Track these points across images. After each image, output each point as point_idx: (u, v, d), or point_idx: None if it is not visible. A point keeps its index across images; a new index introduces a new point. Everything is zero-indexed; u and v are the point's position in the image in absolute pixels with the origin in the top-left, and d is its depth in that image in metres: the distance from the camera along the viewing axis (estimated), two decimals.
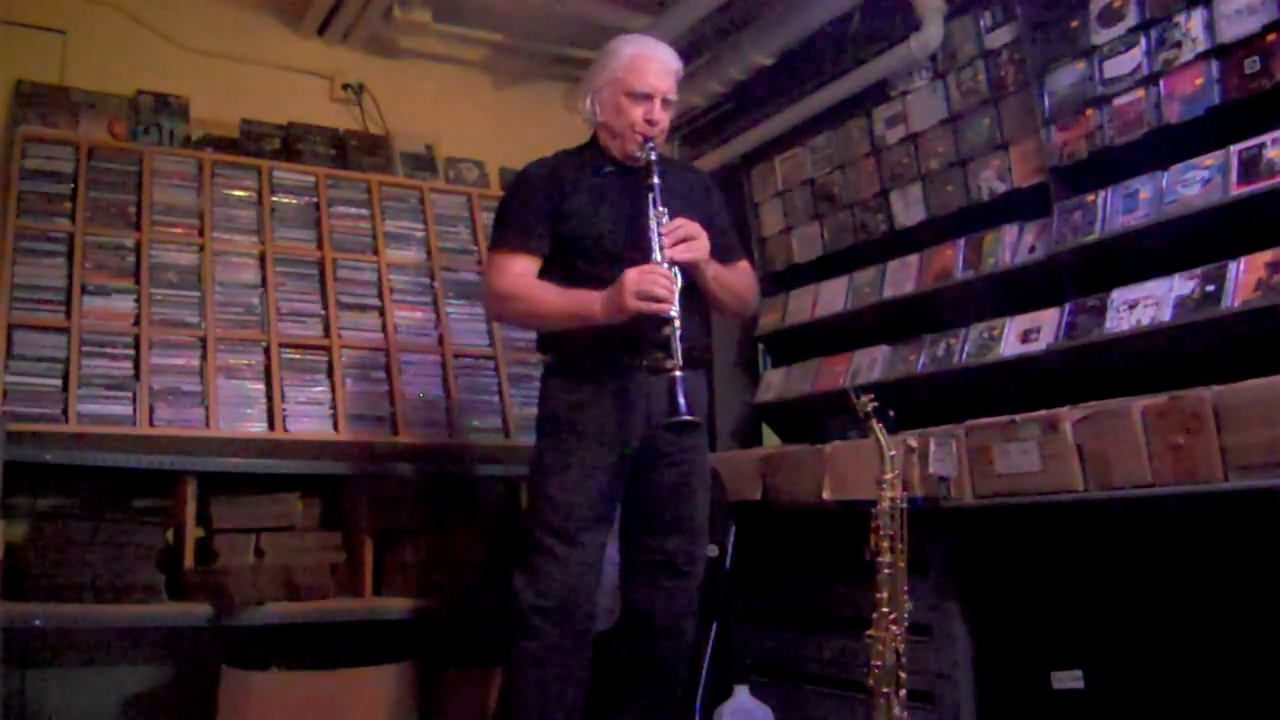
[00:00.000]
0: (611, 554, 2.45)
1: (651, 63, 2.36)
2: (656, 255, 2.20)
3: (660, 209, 2.24)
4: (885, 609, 2.18)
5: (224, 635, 2.91)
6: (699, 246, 2.27)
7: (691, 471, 2.41)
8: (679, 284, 2.18)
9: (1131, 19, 2.71)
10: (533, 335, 3.50)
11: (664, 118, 2.36)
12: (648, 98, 2.33)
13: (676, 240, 2.23)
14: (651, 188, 2.26)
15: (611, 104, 2.36)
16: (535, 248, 2.35)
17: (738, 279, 2.48)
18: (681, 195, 2.37)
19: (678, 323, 2.15)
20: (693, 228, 2.27)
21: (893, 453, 2.24)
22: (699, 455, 2.43)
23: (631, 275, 2.16)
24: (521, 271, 2.34)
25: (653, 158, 2.30)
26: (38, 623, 2.62)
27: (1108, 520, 2.28)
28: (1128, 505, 2.20)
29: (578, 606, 2.28)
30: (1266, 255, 2.40)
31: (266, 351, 3.15)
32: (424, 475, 3.25)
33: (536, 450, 2.39)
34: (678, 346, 2.14)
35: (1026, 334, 2.92)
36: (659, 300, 2.14)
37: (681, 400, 2.11)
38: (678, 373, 2.12)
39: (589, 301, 2.23)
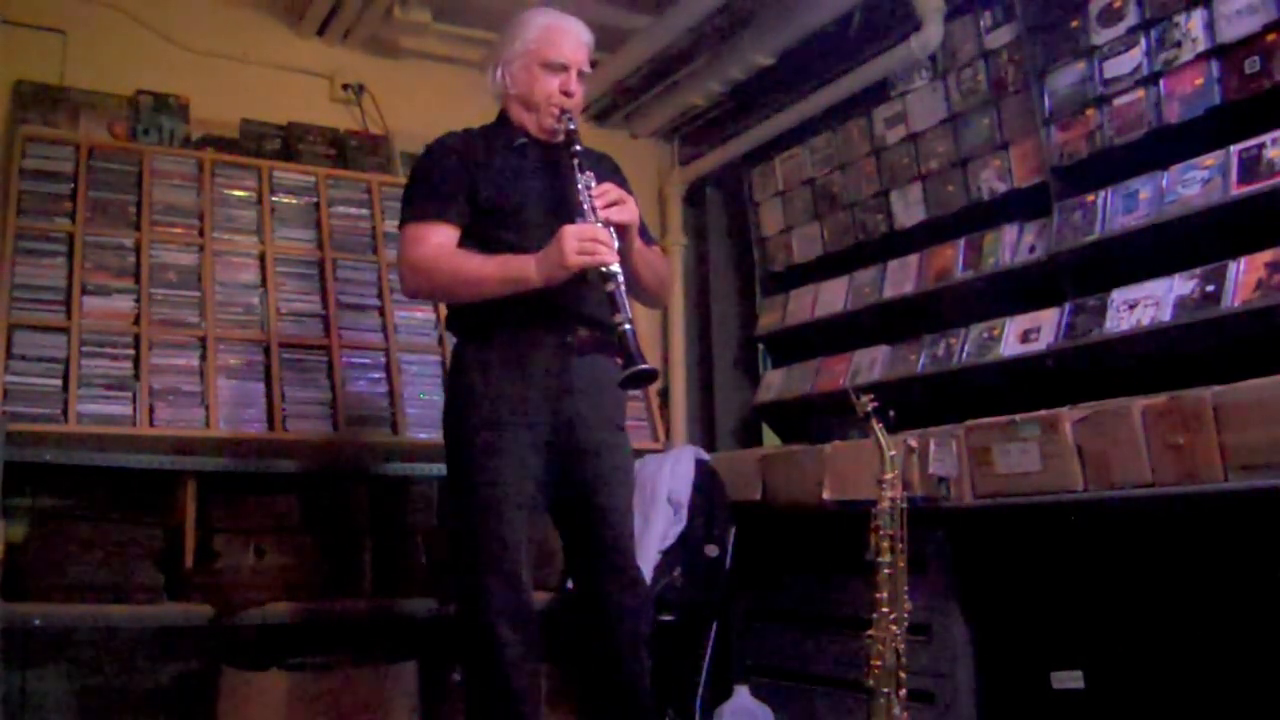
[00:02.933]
0: None
1: (566, 34, 2.31)
2: (591, 217, 2.13)
3: (588, 174, 2.19)
4: (885, 609, 2.18)
5: (224, 635, 2.91)
6: (630, 209, 2.21)
7: (618, 455, 2.29)
8: (616, 243, 2.13)
9: (1131, 19, 2.71)
10: None
11: (579, 91, 2.31)
12: (563, 69, 2.28)
13: (608, 203, 2.17)
14: (575, 154, 2.21)
15: (525, 76, 2.29)
16: (454, 217, 2.24)
17: (657, 257, 2.41)
18: (597, 170, 2.29)
19: (621, 277, 2.10)
20: (621, 192, 2.21)
21: (893, 453, 2.24)
22: (623, 441, 2.33)
23: (570, 230, 2.08)
24: (441, 241, 2.22)
25: (572, 127, 2.25)
26: (38, 623, 2.61)
27: (1108, 520, 2.29)
28: (1128, 505, 2.21)
29: (531, 611, 2.17)
30: (1266, 255, 2.40)
31: (266, 351, 3.15)
32: (423, 475, 3.25)
33: (453, 438, 2.24)
34: (624, 300, 2.08)
35: (1026, 334, 2.92)
36: (599, 255, 2.08)
37: (635, 352, 2.04)
38: (627, 326, 2.06)
39: (522, 264, 2.13)
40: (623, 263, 2.18)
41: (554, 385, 2.20)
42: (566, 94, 2.27)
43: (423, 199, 2.27)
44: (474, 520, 2.17)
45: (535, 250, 2.14)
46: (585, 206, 2.15)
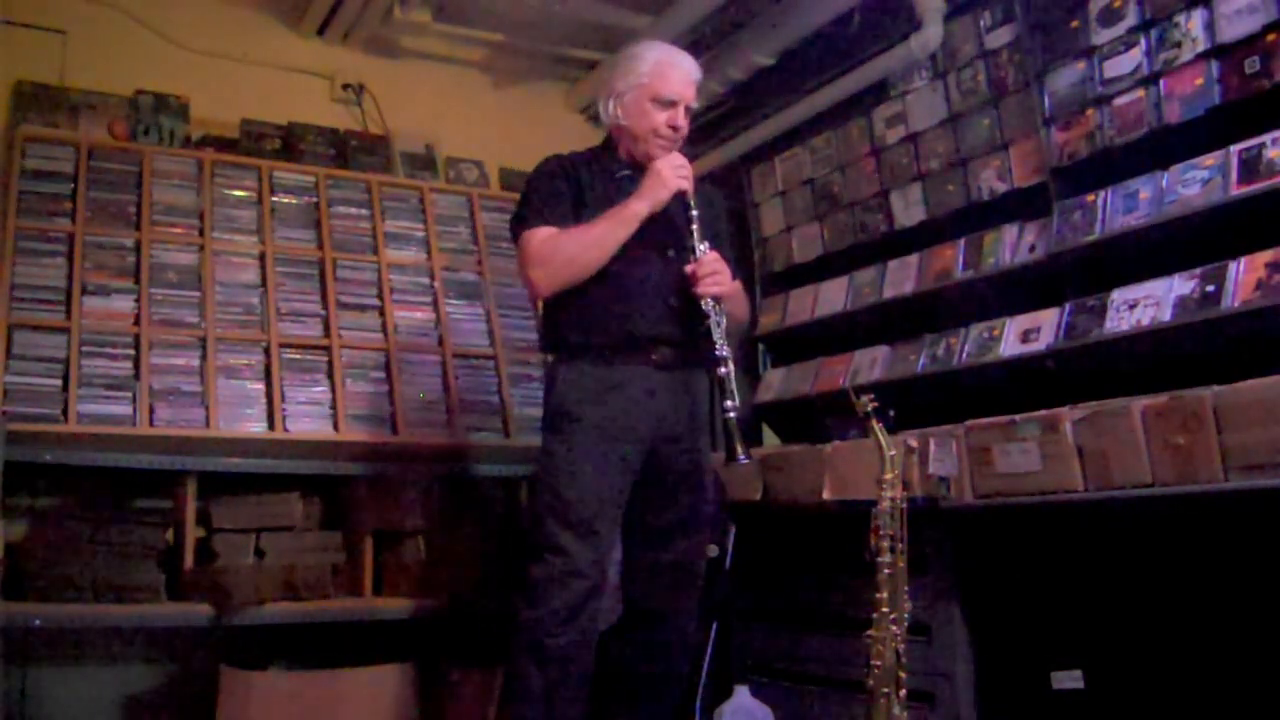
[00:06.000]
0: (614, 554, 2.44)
1: (677, 70, 2.40)
2: (698, 287, 2.30)
3: (703, 245, 2.33)
4: (885, 609, 2.18)
5: (224, 635, 2.91)
6: (724, 280, 2.35)
7: (696, 469, 2.43)
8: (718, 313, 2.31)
9: (1131, 19, 2.71)
10: (533, 335, 3.51)
11: (685, 124, 2.41)
12: (673, 104, 2.37)
13: (708, 272, 2.31)
14: (692, 220, 2.33)
15: (636, 108, 2.38)
16: (561, 223, 2.35)
17: (739, 293, 2.55)
18: (705, 211, 2.41)
19: (730, 363, 2.27)
20: (720, 263, 2.35)
21: (893, 453, 2.24)
22: (702, 454, 2.46)
23: (660, 162, 2.30)
24: (551, 233, 2.34)
25: (687, 187, 2.34)
26: (38, 623, 2.62)
27: (1108, 520, 2.28)
28: (1128, 505, 2.20)
29: (590, 612, 2.27)
30: (1266, 255, 2.40)
31: (266, 351, 3.15)
32: (424, 475, 3.25)
33: (546, 447, 2.36)
34: (734, 388, 2.24)
35: (1026, 334, 2.92)
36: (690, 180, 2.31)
37: (739, 443, 2.20)
38: (733, 414, 2.21)
39: (626, 206, 2.29)
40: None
41: (643, 400, 2.34)
42: (674, 128, 2.38)
43: (535, 211, 2.38)
44: (553, 518, 2.28)
45: (632, 278, 2.31)
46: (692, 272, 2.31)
